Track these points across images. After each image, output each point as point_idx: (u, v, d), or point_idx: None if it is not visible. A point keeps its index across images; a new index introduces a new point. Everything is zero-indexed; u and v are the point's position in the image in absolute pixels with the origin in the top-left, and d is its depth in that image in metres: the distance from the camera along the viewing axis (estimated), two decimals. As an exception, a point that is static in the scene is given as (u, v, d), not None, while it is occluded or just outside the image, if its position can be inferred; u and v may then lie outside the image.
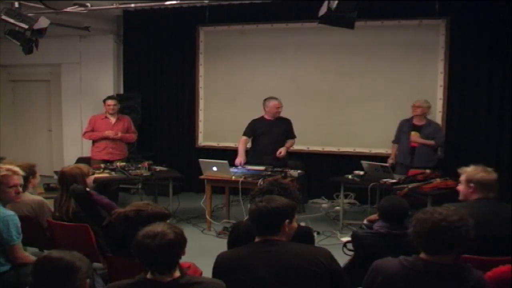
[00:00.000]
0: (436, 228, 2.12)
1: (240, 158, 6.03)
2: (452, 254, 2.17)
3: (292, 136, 6.21)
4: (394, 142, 6.37)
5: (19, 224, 3.03)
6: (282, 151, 5.98)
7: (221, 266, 2.47)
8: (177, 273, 2.15)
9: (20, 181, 3.27)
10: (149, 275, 2.13)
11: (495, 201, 3.17)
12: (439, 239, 2.12)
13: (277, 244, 2.43)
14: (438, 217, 2.14)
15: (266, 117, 6.15)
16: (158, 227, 2.15)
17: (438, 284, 2.13)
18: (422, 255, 2.20)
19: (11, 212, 3.06)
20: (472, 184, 3.20)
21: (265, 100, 6.16)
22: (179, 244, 2.14)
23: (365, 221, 3.51)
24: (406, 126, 6.18)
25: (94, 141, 6.74)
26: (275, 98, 6.12)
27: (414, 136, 6.06)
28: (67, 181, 3.68)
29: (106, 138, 6.56)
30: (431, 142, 6.03)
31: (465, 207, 3.07)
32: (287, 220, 2.48)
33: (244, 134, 6.23)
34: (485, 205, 3.11)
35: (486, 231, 2.84)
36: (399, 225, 3.03)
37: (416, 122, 6.12)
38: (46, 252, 2.10)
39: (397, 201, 3.25)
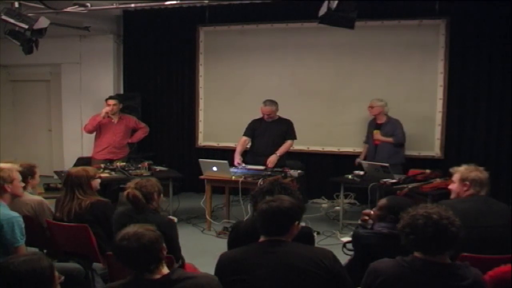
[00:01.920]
0: (417, 224, 2.17)
1: (236, 160, 6.02)
2: (448, 253, 2.20)
3: (290, 137, 6.14)
4: (364, 142, 6.62)
5: (23, 226, 3.05)
6: (270, 163, 5.87)
7: (224, 266, 2.47)
8: (165, 270, 2.17)
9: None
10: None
11: (486, 197, 3.29)
12: (437, 239, 2.15)
13: (281, 245, 2.43)
14: (420, 212, 2.19)
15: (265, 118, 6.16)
16: (131, 228, 2.18)
17: (437, 283, 2.14)
18: (417, 254, 2.22)
19: (15, 214, 3.08)
20: (467, 182, 3.31)
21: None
22: (156, 241, 2.16)
23: (359, 221, 3.49)
24: (371, 126, 6.42)
25: (95, 140, 6.75)
26: (268, 103, 6.05)
27: (376, 134, 6.26)
28: (72, 182, 3.67)
29: (107, 131, 6.58)
30: (390, 139, 6.17)
31: (459, 202, 3.22)
32: (297, 222, 2.50)
33: (244, 134, 6.23)
34: (478, 200, 3.24)
35: (480, 223, 3.01)
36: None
37: (378, 121, 6.33)
38: (4, 260, 2.08)
39: (403, 199, 3.32)
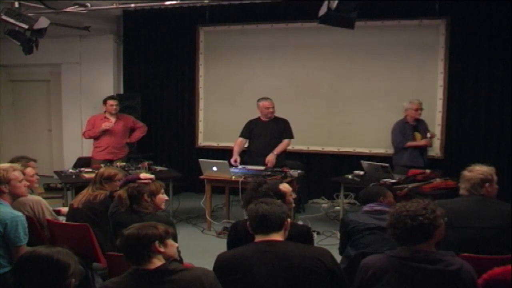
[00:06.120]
0: (398, 219, 2.31)
1: (234, 158, 6.02)
2: (429, 242, 2.30)
3: (287, 136, 6.14)
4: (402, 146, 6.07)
5: (26, 225, 3.05)
6: (269, 162, 5.86)
7: (221, 266, 2.48)
8: (158, 262, 2.20)
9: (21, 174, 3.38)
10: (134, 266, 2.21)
11: (484, 197, 3.33)
12: (403, 228, 2.29)
13: (278, 244, 2.46)
14: (399, 209, 2.34)
15: (262, 118, 6.15)
16: (152, 223, 2.31)
17: (424, 268, 2.24)
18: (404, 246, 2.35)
19: (19, 213, 3.09)
20: (495, 184, 3.35)
21: (257, 101, 6.18)
22: (151, 237, 2.22)
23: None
24: (407, 128, 6.11)
25: (95, 141, 6.74)
26: (267, 98, 6.11)
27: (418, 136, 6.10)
28: (100, 177, 3.90)
29: (106, 132, 6.54)
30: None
31: (453, 202, 3.29)
32: (288, 219, 2.55)
33: (240, 135, 6.23)
34: (474, 199, 3.29)
35: (476, 223, 3.09)
36: (376, 204, 3.49)
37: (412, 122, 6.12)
38: (30, 248, 2.08)
39: (369, 188, 3.77)
